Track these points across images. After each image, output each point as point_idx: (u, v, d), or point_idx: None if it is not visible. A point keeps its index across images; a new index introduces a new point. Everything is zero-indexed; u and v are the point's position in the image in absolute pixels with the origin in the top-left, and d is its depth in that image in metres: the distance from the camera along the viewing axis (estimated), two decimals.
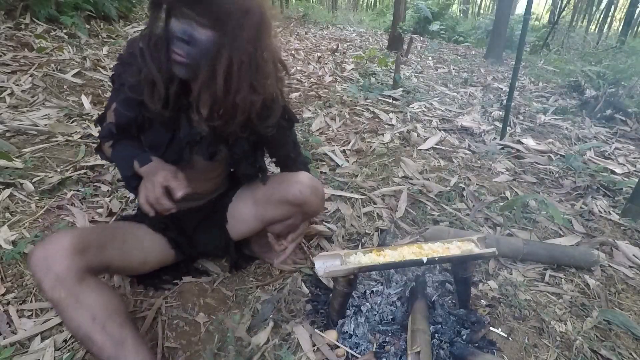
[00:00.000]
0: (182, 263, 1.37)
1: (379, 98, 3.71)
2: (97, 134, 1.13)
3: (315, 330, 1.22)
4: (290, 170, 1.35)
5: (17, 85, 2.63)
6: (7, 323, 1.15)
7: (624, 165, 2.81)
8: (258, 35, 0.94)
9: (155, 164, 1.04)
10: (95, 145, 1.16)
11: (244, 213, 1.33)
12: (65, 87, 2.79)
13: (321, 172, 2.21)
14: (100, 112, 1.29)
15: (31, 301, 1.24)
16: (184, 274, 1.37)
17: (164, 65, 0.96)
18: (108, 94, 2.84)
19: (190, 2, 0.87)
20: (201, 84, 0.95)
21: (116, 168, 1.15)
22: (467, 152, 2.76)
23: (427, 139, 2.87)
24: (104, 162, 1.96)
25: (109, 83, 2.91)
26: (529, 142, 2.99)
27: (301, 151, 1.42)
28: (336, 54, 5.72)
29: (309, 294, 1.38)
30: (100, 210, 1.65)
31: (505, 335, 1.28)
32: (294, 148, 1.36)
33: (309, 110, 3.15)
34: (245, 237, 1.40)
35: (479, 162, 2.61)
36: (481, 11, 20.90)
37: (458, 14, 15.82)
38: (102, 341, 0.91)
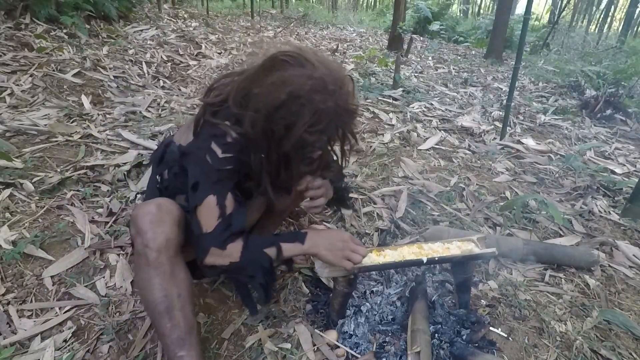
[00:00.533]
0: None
1: (379, 98, 3.71)
2: (206, 243, 0.96)
3: (315, 330, 1.22)
4: None
5: (17, 85, 2.64)
6: (7, 323, 1.15)
7: (624, 165, 2.81)
8: None
9: (321, 235, 1.08)
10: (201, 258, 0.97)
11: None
12: (65, 87, 2.79)
13: None
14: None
15: (31, 301, 1.24)
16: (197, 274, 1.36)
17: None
18: (108, 94, 2.85)
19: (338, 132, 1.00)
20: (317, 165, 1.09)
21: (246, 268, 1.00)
22: (467, 152, 2.76)
23: (427, 139, 2.87)
24: (104, 162, 1.96)
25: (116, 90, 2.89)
26: (529, 142, 2.99)
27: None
28: (336, 54, 5.72)
29: (309, 294, 1.38)
30: (100, 210, 1.65)
31: (505, 335, 1.28)
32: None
33: None
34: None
35: (479, 162, 2.61)
36: (481, 11, 20.88)
37: (458, 14, 15.82)
38: (179, 320, 0.92)
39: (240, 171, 1.01)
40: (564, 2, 10.87)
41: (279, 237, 1.04)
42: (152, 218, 0.91)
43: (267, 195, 1.03)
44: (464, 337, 1.23)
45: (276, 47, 0.97)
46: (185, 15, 6.89)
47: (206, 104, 1.04)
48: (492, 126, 3.31)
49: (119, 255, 1.45)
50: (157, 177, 1.14)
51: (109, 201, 1.70)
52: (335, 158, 1.16)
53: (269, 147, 0.96)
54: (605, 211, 2.13)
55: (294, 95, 0.88)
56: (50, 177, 1.78)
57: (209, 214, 0.96)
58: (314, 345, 1.17)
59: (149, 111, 2.73)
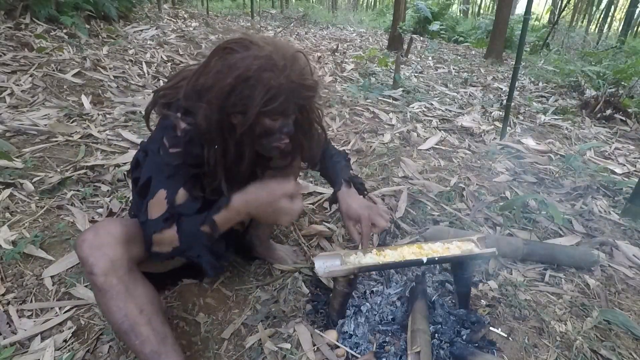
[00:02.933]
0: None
1: (379, 98, 3.71)
2: (147, 229, 0.94)
3: (315, 330, 1.22)
4: (327, 167, 1.37)
5: (17, 85, 2.64)
6: (7, 323, 1.15)
7: (624, 165, 2.81)
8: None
9: (252, 192, 0.95)
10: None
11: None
12: (65, 87, 2.79)
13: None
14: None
15: (31, 301, 1.24)
16: (197, 272, 1.36)
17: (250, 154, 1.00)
18: (108, 94, 2.85)
19: (299, 109, 0.97)
20: (295, 153, 1.09)
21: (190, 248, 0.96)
22: (467, 152, 2.76)
23: (427, 139, 2.87)
24: (104, 162, 1.96)
25: (112, 87, 2.90)
26: (529, 142, 2.99)
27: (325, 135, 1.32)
28: (336, 54, 5.72)
29: (309, 294, 1.38)
30: (100, 210, 1.65)
31: (505, 335, 1.28)
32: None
33: None
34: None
35: (479, 162, 2.61)
36: (481, 11, 20.88)
37: (458, 14, 15.81)
38: (146, 334, 0.91)
39: (195, 165, 0.98)
40: (564, 2, 10.87)
41: (210, 212, 0.95)
42: (90, 244, 0.89)
43: (221, 192, 0.99)
44: (464, 337, 1.23)
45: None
46: (185, 15, 6.90)
47: (155, 93, 1.02)
48: (492, 126, 3.31)
49: None
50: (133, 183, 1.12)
51: (109, 201, 1.70)
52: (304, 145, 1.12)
53: (225, 139, 0.94)
54: (605, 211, 2.13)
55: (243, 78, 0.86)
56: (50, 177, 1.78)
57: (156, 208, 0.94)
58: (314, 345, 1.17)
59: None
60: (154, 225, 0.93)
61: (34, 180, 1.75)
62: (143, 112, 2.55)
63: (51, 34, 3.71)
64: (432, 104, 3.71)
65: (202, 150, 0.96)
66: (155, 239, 0.94)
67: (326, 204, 1.92)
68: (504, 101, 3.34)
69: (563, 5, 10.59)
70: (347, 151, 2.53)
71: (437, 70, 5.49)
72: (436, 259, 1.17)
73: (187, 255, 0.97)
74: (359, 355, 1.15)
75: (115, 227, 0.94)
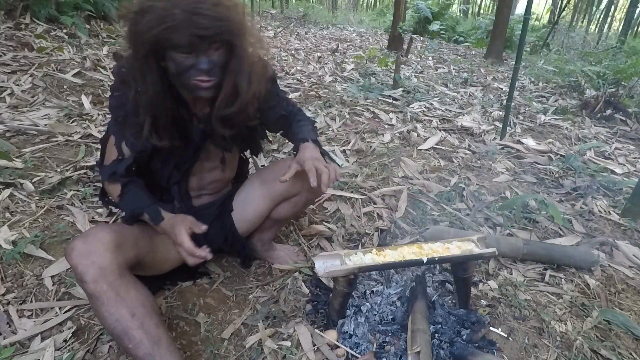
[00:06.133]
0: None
1: (379, 98, 3.71)
2: (99, 176, 1.09)
3: (315, 330, 1.22)
4: (292, 130, 1.27)
5: (17, 85, 2.64)
6: (7, 323, 1.15)
7: (624, 165, 2.81)
8: (248, 33, 1.01)
9: (169, 222, 1.07)
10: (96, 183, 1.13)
11: (252, 194, 1.33)
12: (65, 87, 2.79)
13: None
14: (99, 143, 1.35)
15: (31, 301, 1.24)
16: (194, 273, 1.38)
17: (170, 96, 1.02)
18: (108, 94, 2.84)
19: (204, 41, 0.91)
20: (226, 94, 1.01)
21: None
22: (467, 152, 2.76)
23: (427, 139, 2.87)
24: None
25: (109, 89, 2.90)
26: (529, 142, 2.99)
27: (292, 102, 1.32)
28: (336, 54, 5.72)
29: (309, 294, 1.38)
30: (100, 210, 1.65)
31: (505, 335, 1.28)
32: (285, 105, 1.28)
33: (309, 110, 3.15)
34: (252, 225, 1.37)
35: (479, 162, 2.61)
36: (481, 11, 20.87)
37: (458, 14, 15.80)
38: (139, 338, 0.91)
39: (130, 110, 1.01)
40: (564, 2, 10.87)
41: (147, 207, 1.08)
42: (79, 252, 0.91)
43: (142, 143, 1.04)
44: (464, 337, 1.23)
45: None
46: None
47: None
48: (492, 126, 3.31)
49: None
50: None
51: None
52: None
53: (143, 77, 0.95)
54: (605, 211, 2.13)
55: (140, 11, 0.88)
56: (50, 177, 1.78)
57: (109, 153, 1.10)
58: (314, 345, 1.17)
59: None
60: (104, 174, 1.10)
61: (34, 180, 1.75)
62: None
63: (51, 34, 3.71)
64: (432, 104, 3.71)
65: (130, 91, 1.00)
66: (106, 186, 1.15)
67: (326, 204, 1.92)
68: (504, 101, 3.34)
69: (563, 5, 10.59)
70: (346, 151, 2.54)
71: (437, 70, 5.49)
72: (436, 259, 1.17)
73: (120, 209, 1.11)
74: (359, 355, 1.15)
75: (104, 233, 0.95)
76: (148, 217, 1.08)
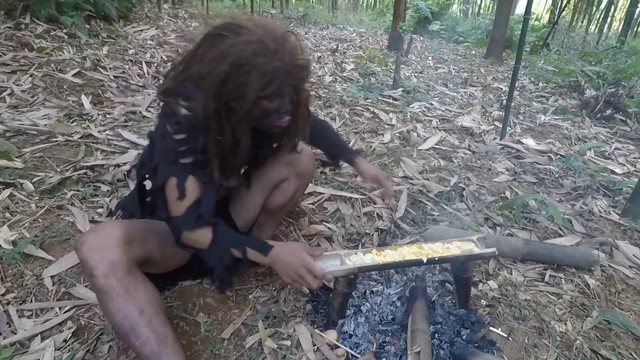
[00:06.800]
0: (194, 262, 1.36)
1: (379, 98, 3.71)
2: (177, 226, 1.00)
3: (315, 330, 1.22)
4: (326, 138, 1.46)
5: (17, 85, 2.64)
6: (7, 323, 1.15)
7: (624, 165, 2.81)
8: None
9: (285, 251, 1.06)
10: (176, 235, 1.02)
11: (243, 185, 1.35)
12: (65, 87, 2.79)
13: (321, 172, 2.21)
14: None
15: (31, 301, 1.24)
16: (197, 273, 1.38)
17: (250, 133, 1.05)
18: (108, 94, 2.85)
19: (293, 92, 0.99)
20: (297, 125, 1.12)
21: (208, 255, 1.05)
22: (467, 152, 2.76)
23: (427, 139, 2.86)
24: (104, 162, 1.96)
25: (110, 87, 2.91)
26: (529, 142, 2.99)
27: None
28: (336, 54, 5.72)
29: (309, 294, 1.38)
30: (100, 210, 1.65)
31: (505, 335, 1.28)
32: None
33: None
34: (249, 217, 1.39)
35: (479, 162, 2.61)
36: (481, 11, 20.88)
37: (458, 14, 15.81)
38: (146, 335, 0.91)
39: (201, 151, 0.99)
40: (564, 2, 10.86)
41: (247, 241, 1.06)
42: (89, 246, 0.90)
43: (212, 180, 1.02)
44: (464, 337, 1.23)
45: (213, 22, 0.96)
46: (185, 15, 6.90)
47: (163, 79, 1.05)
48: (492, 126, 3.31)
49: None
50: (139, 186, 1.15)
51: (109, 201, 1.70)
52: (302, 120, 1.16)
53: (222, 126, 0.96)
54: (605, 211, 2.13)
55: (237, 65, 0.87)
56: (50, 177, 1.78)
57: (172, 197, 0.99)
58: (314, 345, 1.17)
59: (149, 111, 2.73)
60: (185, 223, 0.99)
61: (34, 180, 1.75)
62: (143, 112, 2.55)
63: (51, 34, 3.71)
64: (432, 104, 3.71)
65: (201, 137, 0.98)
66: (186, 236, 1.00)
67: (326, 204, 1.92)
68: (504, 101, 3.34)
69: (563, 5, 10.58)
70: None
71: (437, 70, 5.49)
72: (436, 259, 1.17)
73: (207, 260, 1.03)
74: (359, 355, 1.15)
75: (115, 228, 0.94)
76: (253, 251, 1.03)
